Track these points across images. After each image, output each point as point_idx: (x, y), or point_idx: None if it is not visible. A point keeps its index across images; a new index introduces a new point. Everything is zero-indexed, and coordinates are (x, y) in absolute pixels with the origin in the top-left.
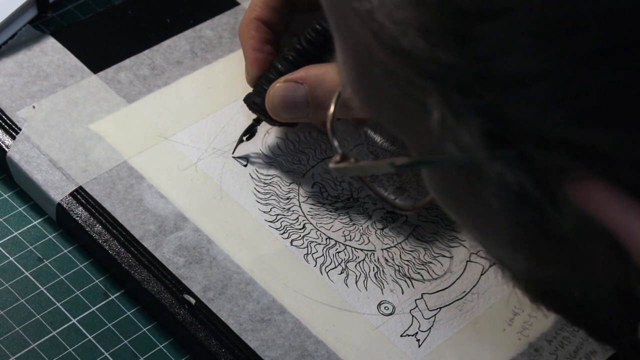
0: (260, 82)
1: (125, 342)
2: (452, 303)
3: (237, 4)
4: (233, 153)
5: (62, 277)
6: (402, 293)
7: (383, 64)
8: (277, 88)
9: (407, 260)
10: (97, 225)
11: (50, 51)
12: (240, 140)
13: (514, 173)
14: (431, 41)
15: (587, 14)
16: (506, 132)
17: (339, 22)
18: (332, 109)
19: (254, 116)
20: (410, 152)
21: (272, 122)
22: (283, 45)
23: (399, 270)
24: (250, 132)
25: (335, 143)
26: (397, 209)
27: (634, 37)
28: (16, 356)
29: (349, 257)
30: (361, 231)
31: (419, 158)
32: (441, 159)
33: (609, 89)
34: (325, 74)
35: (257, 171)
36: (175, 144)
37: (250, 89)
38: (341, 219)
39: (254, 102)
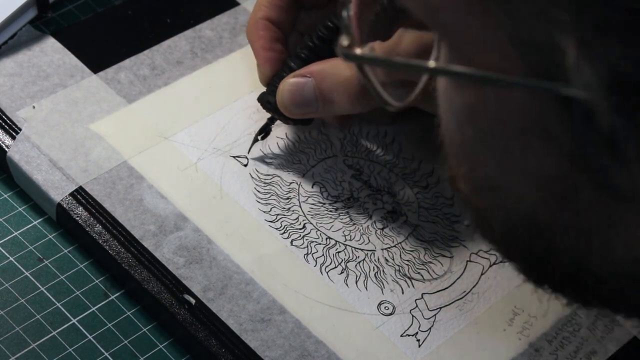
0: (273, 80)
1: (125, 342)
2: (452, 303)
3: (237, 4)
4: (248, 152)
5: (62, 277)
6: (402, 293)
7: None
8: (286, 84)
9: (407, 260)
10: (97, 225)
11: (50, 51)
12: (256, 140)
13: (618, 119)
14: None
15: None
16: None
17: None
18: None
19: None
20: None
21: (286, 120)
22: (292, 44)
23: (399, 270)
24: (265, 131)
25: (347, 19)
26: (389, 105)
27: None
28: (16, 356)
29: (349, 257)
30: (361, 231)
31: (491, 74)
32: (528, 81)
33: None
34: (329, 67)
35: (257, 171)
36: (176, 144)
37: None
38: (341, 219)
39: (267, 101)
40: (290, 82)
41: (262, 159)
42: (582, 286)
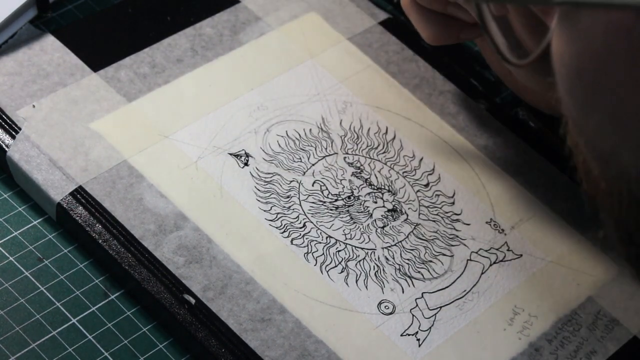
0: None
1: (125, 342)
2: (452, 302)
3: (238, 1)
4: None
5: (62, 277)
6: (403, 292)
7: None
8: None
9: (408, 259)
10: (97, 225)
11: (50, 50)
12: None
13: None
14: None
15: None
16: None
17: None
18: None
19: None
20: None
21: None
22: None
23: (399, 269)
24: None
25: None
26: (507, 62)
27: None
28: (16, 356)
29: (349, 256)
30: (362, 230)
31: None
32: None
33: None
34: None
35: (257, 169)
36: (176, 143)
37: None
38: (342, 218)
39: None
40: None
41: (262, 158)
42: None
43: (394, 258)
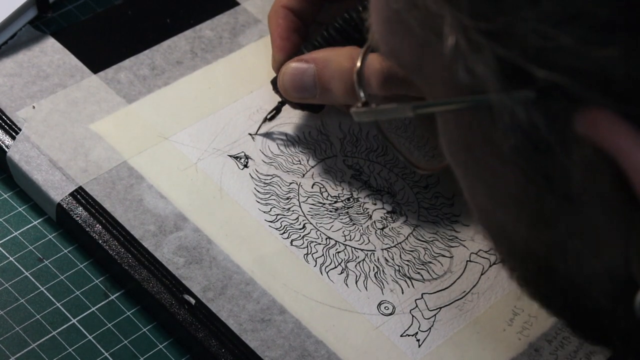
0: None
1: (125, 342)
2: (452, 303)
3: (237, 4)
4: (256, 133)
5: (62, 277)
6: (402, 293)
7: None
8: (288, 68)
9: (407, 260)
10: (97, 225)
11: (50, 51)
12: (265, 120)
13: (526, 112)
14: None
15: None
16: (518, 62)
17: None
18: (359, 63)
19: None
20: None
21: (294, 105)
22: (311, 34)
23: (399, 270)
24: (275, 111)
25: (361, 93)
26: (414, 166)
27: None
28: (16, 356)
29: (349, 257)
30: (361, 231)
31: (438, 101)
32: (458, 100)
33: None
34: (333, 57)
35: (257, 171)
36: (175, 144)
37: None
38: (341, 219)
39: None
40: (292, 67)
41: (262, 159)
42: (585, 315)
43: (393, 259)
